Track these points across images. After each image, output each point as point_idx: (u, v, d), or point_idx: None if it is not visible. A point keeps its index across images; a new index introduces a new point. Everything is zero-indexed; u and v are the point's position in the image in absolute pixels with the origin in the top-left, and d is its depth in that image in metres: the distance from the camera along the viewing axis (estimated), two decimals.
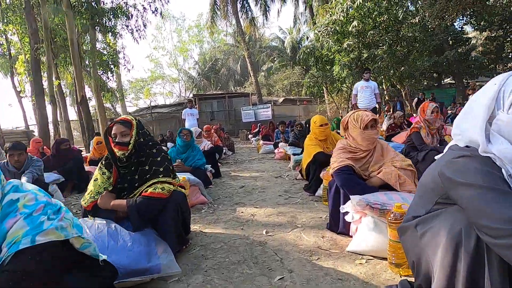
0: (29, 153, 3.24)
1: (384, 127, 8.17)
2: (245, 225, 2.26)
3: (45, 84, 9.57)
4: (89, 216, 1.59)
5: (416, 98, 15.08)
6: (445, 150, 0.96)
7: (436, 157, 0.98)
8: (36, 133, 10.99)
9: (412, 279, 1.09)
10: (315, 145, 3.01)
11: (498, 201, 0.72)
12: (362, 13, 10.32)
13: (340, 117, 11.15)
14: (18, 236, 0.89)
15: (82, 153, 6.58)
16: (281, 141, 6.36)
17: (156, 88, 38.82)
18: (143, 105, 29.97)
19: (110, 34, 11.99)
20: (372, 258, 1.54)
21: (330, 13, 10.83)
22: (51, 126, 8.19)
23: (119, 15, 11.63)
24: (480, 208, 0.75)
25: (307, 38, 14.67)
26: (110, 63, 11.97)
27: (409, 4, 11.07)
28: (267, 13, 21.79)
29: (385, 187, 1.77)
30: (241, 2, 20.85)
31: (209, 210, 2.76)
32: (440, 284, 0.82)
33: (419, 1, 9.91)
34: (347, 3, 10.04)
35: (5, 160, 3.06)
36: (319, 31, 10.82)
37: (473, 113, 0.87)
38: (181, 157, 3.11)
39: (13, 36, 12.35)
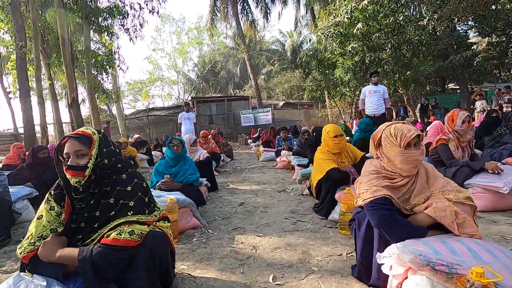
0: None
1: None
2: (245, 264, 1.79)
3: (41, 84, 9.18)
4: (26, 271, 1.12)
5: (419, 104, 14.73)
6: None
7: None
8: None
9: None
10: (328, 159, 2.56)
11: None
12: (367, 15, 9.96)
13: (344, 122, 10.77)
14: None
15: None
16: (283, 149, 5.90)
17: (155, 90, 38.34)
18: (142, 107, 29.48)
19: (105, 34, 11.58)
20: None
21: (334, 14, 10.46)
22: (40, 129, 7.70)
23: (115, 15, 11.22)
24: None
25: (310, 40, 14.27)
26: (105, 63, 11.53)
27: (415, 6, 10.74)
28: (268, 15, 21.47)
29: (434, 226, 1.32)
30: (241, 4, 20.52)
31: (202, 237, 2.29)
32: None
33: (425, 3, 9.55)
34: (351, 5, 9.67)
35: None
36: (322, 33, 10.43)
37: None
38: (170, 172, 2.65)
39: (5, 34, 11.91)
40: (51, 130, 14.78)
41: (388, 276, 1.31)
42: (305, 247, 1.99)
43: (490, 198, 2.43)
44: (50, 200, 1.23)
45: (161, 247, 1.23)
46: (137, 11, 10.73)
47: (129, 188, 1.21)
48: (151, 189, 2.57)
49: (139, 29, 11.34)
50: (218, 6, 20.58)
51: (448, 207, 1.27)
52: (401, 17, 9.77)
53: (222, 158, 6.69)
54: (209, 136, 6.89)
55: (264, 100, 21.74)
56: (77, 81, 14.19)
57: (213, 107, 17.24)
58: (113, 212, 1.17)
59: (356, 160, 2.70)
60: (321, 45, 10.89)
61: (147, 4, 10.46)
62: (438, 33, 15.05)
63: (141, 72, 66.03)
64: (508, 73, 19.78)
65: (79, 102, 15.24)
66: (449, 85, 19.25)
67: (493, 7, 10.72)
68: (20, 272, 1.15)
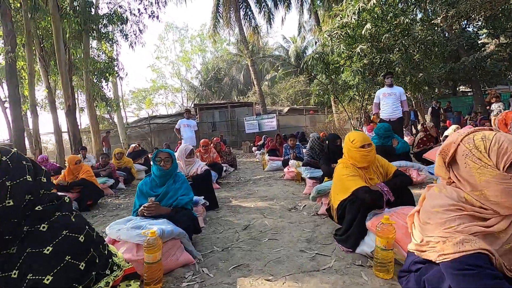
0: None
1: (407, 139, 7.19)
2: None
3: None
4: None
5: (430, 108, 14.12)
6: None
7: None
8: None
9: None
10: (354, 176, 2.03)
11: None
12: (376, 15, 9.50)
13: (358, 128, 10.20)
14: None
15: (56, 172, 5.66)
16: (291, 158, 5.37)
17: (159, 98, 38.29)
18: (145, 115, 29.30)
19: (105, 41, 11.29)
20: None
21: (341, 15, 10.02)
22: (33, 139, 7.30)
23: (115, 21, 10.93)
24: None
25: (315, 42, 13.78)
26: (105, 71, 11.20)
27: (426, 5, 10.26)
28: (271, 20, 21.15)
29: None
30: (244, 10, 20.28)
31: (194, 280, 1.77)
32: None
33: (438, 1, 9.05)
34: (359, 5, 9.23)
35: None
36: (329, 35, 9.98)
37: None
38: (157, 193, 2.15)
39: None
40: (53, 139, 14.45)
41: None
42: None
43: None
44: None
45: None
46: (136, 16, 10.42)
47: (47, 250, 0.69)
48: (133, 217, 2.07)
49: (139, 35, 11.04)
50: (221, 12, 20.37)
51: None
52: (411, 16, 9.31)
53: (224, 168, 6.18)
54: (211, 145, 6.41)
55: (269, 106, 21.29)
56: (78, 90, 13.97)
57: (216, 114, 16.84)
58: None
59: (387, 175, 2.17)
60: (328, 47, 10.43)
61: (146, 9, 10.16)
62: (447, 34, 14.50)
63: (145, 80, 66.45)
64: None
65: (79, 111, 14.97)
66: (460, 88, 18.58)
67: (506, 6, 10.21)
68: None
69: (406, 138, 6.78)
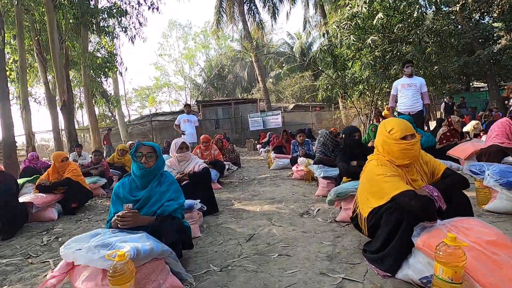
0: None
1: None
2: None
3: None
4: None
5: (443, 103, 13.48)
6: None
7: None
8: (17, 145, 9.81)
9: None
10: (393, 176, 1.54)
11: None
12: (388, 5, 8.93)
13: (376, 125, 9.64)
14: None
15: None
16: (300, 156, 4.88)
17: (162, 96, 38.01)
18: (148, 113, 29.02)
19: (104, 35, 10.89)
20: None
21: (350, 5, 9.46)
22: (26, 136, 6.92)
23: (115, 14, 10.51)
24: None
25: (323, 34, 13.10)
26: (104, 66, 10.79)
27: None
28: (276, 15, 20.61)
29: None
30: (248, 4, 19.74)
31: None
32: None
33: None
34: None
35: None
36: (337, 26, 9.43)
37: None
38: (137, 197, 1.68)
39: None
40: (51, 137, 14.15)
41: None
42: None
43: None
44: None
45: None
46: (135, 8, 9.98)
47: None
48: (103, 230, 1.61)
49: (139, 28, 10.61)
50: (224, 7, 19.85)
51: None
52: (424, 9, 8.71)
53: (227, 167, 5.73)
54: (212, 142, 5.95)
55: (273, 103, 20.77)
56: (78, 86, 13.62)
57: (219, 111, 16.38)
58: None
59: (434, 175, 1.67)
60: (336, 39, 9.87)
61: (145, 0, 9.70)
62: (459, 26, 13.76)
63: (149, 78, 66.28)
64: None
65: (79, 107, 14.61)
66: (473, 83, 17.83)
67: None
68: None
69: None
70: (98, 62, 10.69)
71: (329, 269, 1.64)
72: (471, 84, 17.32)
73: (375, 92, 10.37)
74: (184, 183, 2.89)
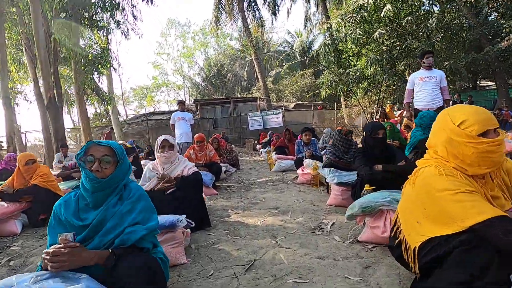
0: None
1: None
2: None
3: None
4: None
5: (451, 101, 12.94)
6: None
7: None
8: (4, 145, 9.27)
9: None
10: (470, 192, 1.00)
11: None
12: None
13: (386, 121, 9.12)
14: None
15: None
16: (305, 157, 4.35)
17: (161, 96, 37.48)
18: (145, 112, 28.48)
19: (97, 29, 10.36)
20: None
21: None
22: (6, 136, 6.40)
23: (109, 8, 9.99)
24: None
25: (327, 29, 12.53)
26: (97, 63, 10.26)
27: None
28: (276, 12, 20.07)
29: None
30: (247, 0, 19.21)
31: None
32: None
33: None
34: None
35: None
36: (342, 19, 8.91)
37: None
38: (86, 221, 1.15)
39: None
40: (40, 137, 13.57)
41: None
42: None
43: None
44: None
45: None
46: (129, 1, 9.45)
47: None
48: (37, 270, 1.06)
49: (134, 22, 10.09)
50: (223, 3, 19.32)
51: None
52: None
53: (225, 169, 5.20)
54: (209, 142, 5.43)
55: (273, 102, 20.23)
56: (68, 83, 13.08)
57: (218, 110, 15.86)
58: None
59: None
60: (340, 33, 9.36)
61: None
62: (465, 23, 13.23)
63: (147, 77, 65.73)
64: None
65: (69, 105, 14.00)
66: (481, 81, 17.30)
67: None
68: None
69: None
70: (89, 57, 10.18)
71: None
72: (479, 81, 16.78)
73: (382, 89, 9.87)
74: (169, 191, 2.36)
